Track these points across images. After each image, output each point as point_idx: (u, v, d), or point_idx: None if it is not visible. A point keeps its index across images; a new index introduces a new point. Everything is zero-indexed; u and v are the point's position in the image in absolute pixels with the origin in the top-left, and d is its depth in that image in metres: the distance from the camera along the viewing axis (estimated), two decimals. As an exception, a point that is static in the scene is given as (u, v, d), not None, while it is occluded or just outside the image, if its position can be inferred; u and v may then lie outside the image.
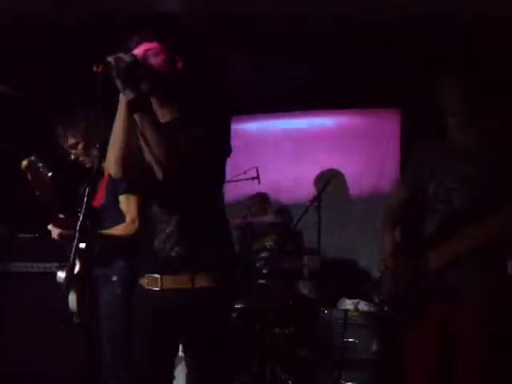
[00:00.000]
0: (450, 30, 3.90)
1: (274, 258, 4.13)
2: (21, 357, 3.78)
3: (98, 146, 2.77)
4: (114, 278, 2.72)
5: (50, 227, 2.72)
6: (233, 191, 4.79)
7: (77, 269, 2.68)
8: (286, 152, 5.39)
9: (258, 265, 4.18)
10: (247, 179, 4.43)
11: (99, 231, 2.69)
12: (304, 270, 4.45)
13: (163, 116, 2.17)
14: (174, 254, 2.09)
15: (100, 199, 2.81)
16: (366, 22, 3.97)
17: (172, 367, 2.21)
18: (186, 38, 2.31)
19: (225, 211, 2.23)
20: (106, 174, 2.70)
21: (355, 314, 3.86)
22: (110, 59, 1.93)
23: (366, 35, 4.13)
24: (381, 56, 4.37)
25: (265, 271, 4.13)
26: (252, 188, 4.66)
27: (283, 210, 4.81)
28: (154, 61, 2.11)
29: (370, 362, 3.94)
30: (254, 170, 4.46)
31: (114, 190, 2.74)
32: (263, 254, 4.18)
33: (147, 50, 2.12)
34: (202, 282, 2.08)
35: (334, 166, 5.18)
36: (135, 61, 1.99)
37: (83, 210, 1.90)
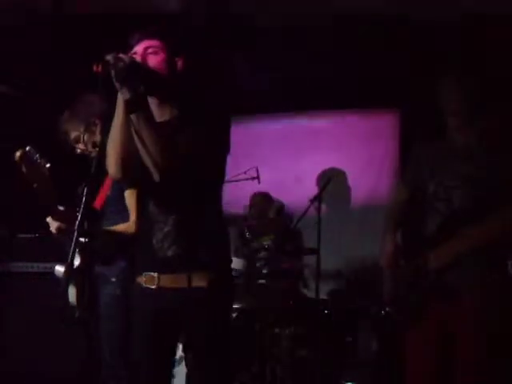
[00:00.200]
0: (449, 30, 3.90)
1: (273, 258, 4.13)
2: (21, 357, 3.78)
3: (96, 146, 2.77)
4: (113, 279, 2.71)
5: (48, 220, 2.68)
6: (233, 191, 4.79)
7: (77, 263, 2.67)
8: (286, 152, 5.39)
9: (257, 265, 4.19)
10: (247, 179, 4.43)
11: (103, 228, 2.66)
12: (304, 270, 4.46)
13: (162, 115, 2.17)
14: (171, 253, 2.09)
15: (101, 201, 2.79)
16: (366, 22, 3.97)
17: (171, 367, 2.21)
18: (186, 37, 2.30)
19: (222, 211, 2.24)
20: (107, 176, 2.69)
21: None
22: (109, 58, 1.93)
23: (366, 35, 4.13)
24: (381, 56, 4.37)
25: (265, 271, 4.13)
26: (252, 188, 4.66)
27: (283, 210, 4.81)
28: (154, 60, 2.11)
29: (370, 361, 3.95)
30: (254, 169, 4.46)
31: (120, 184, 2.68)
32: (262, 254, 4.18)
33: (147, 47, 2.12)
34: (198, 281, 2.07)
35: (334, 166, 5.18)
36: (134, 61, 1.99)
37: (81, 210, 1.89)
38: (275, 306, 4.01)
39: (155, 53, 2.12)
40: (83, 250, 2.52)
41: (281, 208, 4.77)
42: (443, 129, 2.51)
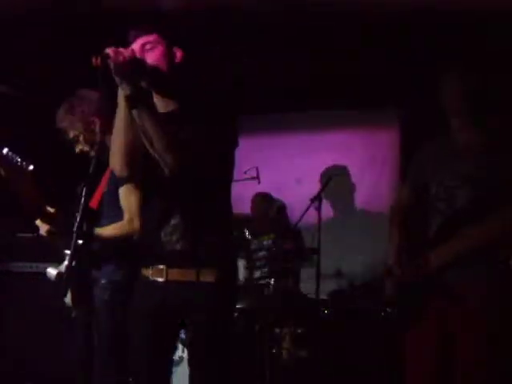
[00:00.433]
0: (450, 29, 3.90)
1: (273, 258, 4.13)
2: (21, 357, 3.78)
3: (96, 146, 2.74)
4: (103, 281, 2.66)
5: (37, 223, 2.64)
6: (233, 191, 4.78)
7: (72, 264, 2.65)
8: (286, 151, 5.39)
9: (257, 264, 4.18)
10: (247, 179, 4.43)
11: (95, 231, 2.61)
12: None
13: (166, 106, 2.17)
14: (179, 247, 2.09)
15: (97, 198, 2.76)
16: (367, 21, 3.97)
17: (170, 366, 2.21)
18: (189, 34, 2.30)
19: (231, 209, 2.23)
20: (105, 173, 2.67)
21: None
22: (109, 51, 1.93)
23: (366, 35, 4.13)
24: (381, 55, 4.37)
25: (265, 271, 4.13)
26: (252, 188, 4.65)
27: (285, 210, 4.81)
28: (152, 55, 2.10)
29: (370, 362, 3.95)
30: (254, 169, 4.45)
31: (116, 180, 2.60)
32: (262, 254, 4.18)
33: (144, 44, 2.11)
34: (205, 277, 2.08)
35: (333, 167, 5.18)
36: (133, 55, 1.98)
37: (80, 211, 1.87)
38: (275, 306, 4.01)
39: (152, 48, 2.11)
40: (78, 251, 2.50)
41: (281, 207, 4.77)
42: (444, 128, 2.51)
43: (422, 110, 4.30)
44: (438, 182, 2.45)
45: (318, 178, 5.11)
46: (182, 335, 2.58)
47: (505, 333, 2.29)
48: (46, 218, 2.59)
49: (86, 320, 2.72)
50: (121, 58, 1.93)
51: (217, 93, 2.24)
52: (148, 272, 2.16)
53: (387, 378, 3.76)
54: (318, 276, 4.08)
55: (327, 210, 4.89)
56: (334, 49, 4.34)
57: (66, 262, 2.76)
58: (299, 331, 3.98)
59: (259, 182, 4.50)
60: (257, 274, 4.15)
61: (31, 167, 2.42)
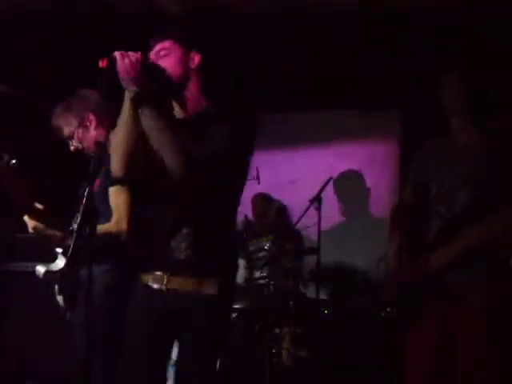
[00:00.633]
0: (450, 29, 3.90)
1: (273, 258, 4.13)
2: (22, 357, 3.78)
3: (97, 146, 2.73)
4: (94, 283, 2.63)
5: (25, 218, 2.61)
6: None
7: (62, 264, 2.64)
8: (286, 151, 5.39)
9: (257, 265, 4.18)
10: (247, 179, 4.42)
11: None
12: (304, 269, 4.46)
13: (183, 111, 2.17)
14: (183, 256, 2.09)
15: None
16: (367, 21, 3.97)
17: (167, 365, 2.21)
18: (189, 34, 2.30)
19: (236, 217, 2.24)
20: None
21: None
22: (116, 54, 1.94)
23: (366, 35, 4.13)
24: (381, 55, 4.37)
25: (264, 271, 4.13)
26: (252, 188, 4.66)
27: (285, 210, 4.81)
28: (166, 61, 2.11)
29: (371, 361, 3.95)
30: (254, 169, 4.46)
31: (107, 180, 2.58)
32: (261, 254, 4.18)
33: (159, 50, 2.13)
34: (207, 287, 2.07)
35: (334, 166, 5.18)
36: (141, 59, 1.99)
37: (81, 211, 1.86)
38: (275, 306, 4.01)
39: (167, 55, 2.13)
40: (71, 251, 2.49)
41: (281, 208, 4.77)
42: (444, 128, 2.51)
43: (422, 110, 4.30)
44: (438, 182, 2.45)
45: (317, 178, 5.11)
46: None
47: (505, 333, 2.29)
48: (34, 215, 2.57)
49: (83, 320, 2.70)
50: (127, 62, 1.93)
51: (243, 97, 2.24)
52: (148, 278, 2.15)
53: (387, 378, 3.76)
54: (318, 276, 4.09)
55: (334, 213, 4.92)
56: (334, 49, 4.34)
57: (57, 261, 2.76)
58: (299, 331, 3.98)
59: (259, 183, 4.51)
60: (257, 274, 4.15)
61: (13, 161, 2.39)
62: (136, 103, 1.99)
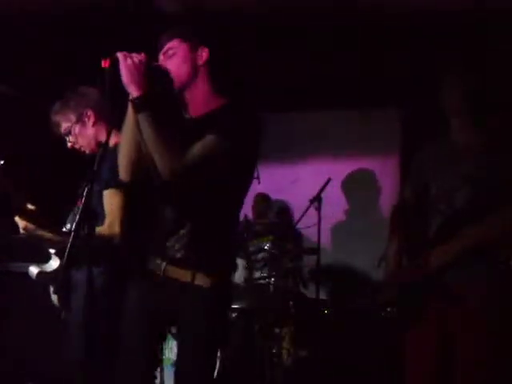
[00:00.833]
0: (450, 29, 3.90)
1: (273, 258, 4.13)
2: (21, 357, 3.78)
3: (100, 146, 2.73)
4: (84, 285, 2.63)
5: (16, 219, 2.60)
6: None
7: (56, 265, 2.63)
8: (286, 151, 5.39)
9: (257, 265, 4.18)
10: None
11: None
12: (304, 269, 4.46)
13: (192, 112, 2.16)
14: (179, 255, 2.09)
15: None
16: (367, 21, 3.97)
17: (156, 362, 2.22)
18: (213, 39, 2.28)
19: (238, 220, 2.23)
20: None
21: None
22: (119, 55, 1.93)
23: (366, 34, 4.13)
24: (381, 55, 4.37)
25: (264, 271, 4.13)
26: (252, 188, 4.65)
27: (284, 210, 4.81)
28: (171, 62, 2.10)
29: (371, 361, 3.94)
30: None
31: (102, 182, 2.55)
32: (260, 255, 4.18)
33: (166, 51, 2.12)
34: (200, 280, 2.08)
35: (334, 166, 5.18)
36: (143, 61, 1.98)
37: (80, 212, 1.85)
38: (275, 306, 4.01)
39: (173, 55, 2.12)
40: (68, 252, 2.48)
41: (283, 208, 4.77)
42: (445, 128, 2.51)
43: (423, 110, 4.30)
44: (438, 182, 2.45)
45: (317, 178, 5.10)
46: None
47: (505, 333, 2.29)
48: (25, 216, 2.56)
49: (77, 320, 2.69)
50: (130, 63, 1.93)
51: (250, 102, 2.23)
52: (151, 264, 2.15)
53: (387, 378, 3.76)
54: (318, 276, 4.09)
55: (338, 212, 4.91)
56: (333, 49, 4.34)
57: (51, 262, 2.75)
58: (299, 331, 3.98)
59: (259, 182, 4.50)
60: (257, 274, 4.15)
61: (1, 162, 2.39)
62: (136, 105, 1.98)
